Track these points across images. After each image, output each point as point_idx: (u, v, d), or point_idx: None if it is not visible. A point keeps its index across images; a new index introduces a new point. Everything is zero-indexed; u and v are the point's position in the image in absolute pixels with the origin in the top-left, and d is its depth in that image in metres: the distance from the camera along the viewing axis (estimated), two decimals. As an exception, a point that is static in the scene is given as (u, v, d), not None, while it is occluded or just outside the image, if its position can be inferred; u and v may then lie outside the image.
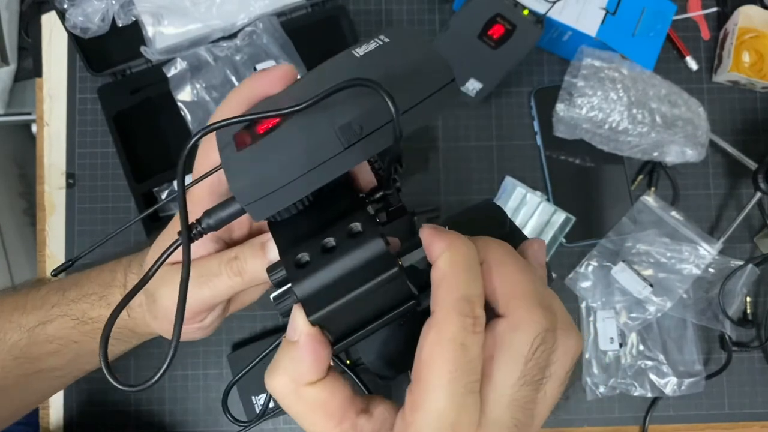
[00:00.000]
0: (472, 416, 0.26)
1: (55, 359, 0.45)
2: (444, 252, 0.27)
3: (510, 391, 0.27)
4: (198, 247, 0.37)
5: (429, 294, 0.27)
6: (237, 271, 0.36)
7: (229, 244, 0.39)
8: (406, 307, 0.28)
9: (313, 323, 0.27)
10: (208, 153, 0.36)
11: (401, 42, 0.30)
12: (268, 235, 0.35)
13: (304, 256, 0.28)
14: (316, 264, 0.27)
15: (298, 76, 0.34)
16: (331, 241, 0.28)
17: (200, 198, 0.36)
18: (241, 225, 0.39)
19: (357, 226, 0.28)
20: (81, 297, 0.45)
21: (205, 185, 0.35)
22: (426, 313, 0.27)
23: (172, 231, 0.39)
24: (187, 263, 0.28)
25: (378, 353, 0.32)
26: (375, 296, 0.27)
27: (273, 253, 0.35)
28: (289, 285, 0.27)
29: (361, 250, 0.27)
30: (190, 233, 0.30)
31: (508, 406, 0.27)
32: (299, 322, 0.27)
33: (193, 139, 0.27)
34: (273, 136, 0.28)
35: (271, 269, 0.28)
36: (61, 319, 0.45)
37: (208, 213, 0.31)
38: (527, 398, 0.27)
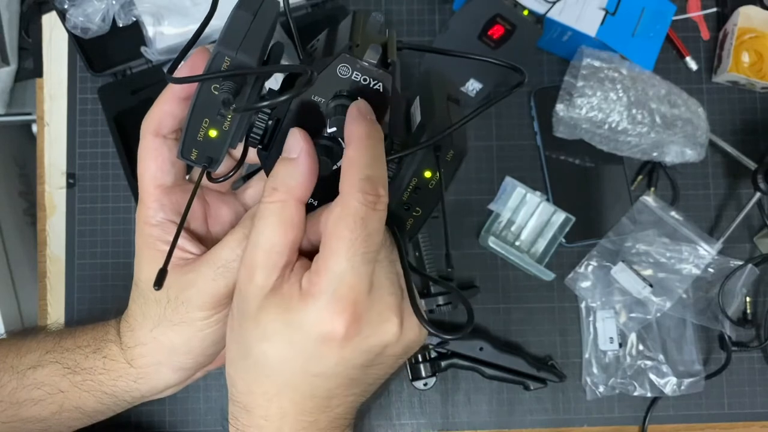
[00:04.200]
0: (366, 282, 0.30)
1: (38, 409, 0.43)
2: (354, 137, 0.31)
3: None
4: (182, 253, 0.38)
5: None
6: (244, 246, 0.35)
7: (207, 243, 0.39)
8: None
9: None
10: (147, 153, 0.38)
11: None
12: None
13: None
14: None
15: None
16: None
17: (149, 193, 0.38)
18: (218, 220, 0.40)
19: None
20: (75, 347, 0.44)
21: (150, 183, 0.37)
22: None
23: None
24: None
25: None
26: None
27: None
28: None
29: None
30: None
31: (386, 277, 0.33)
32: (298, 137, 0.32)
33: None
34: None
35: None
36: (52, 366, 0.43)
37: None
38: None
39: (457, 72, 0.64)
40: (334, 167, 0.34)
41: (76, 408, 0.43)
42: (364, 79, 0.33)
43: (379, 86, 0.33)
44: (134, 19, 0.64)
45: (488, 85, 0.64)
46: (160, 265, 0.35)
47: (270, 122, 0.34)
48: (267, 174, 0.35)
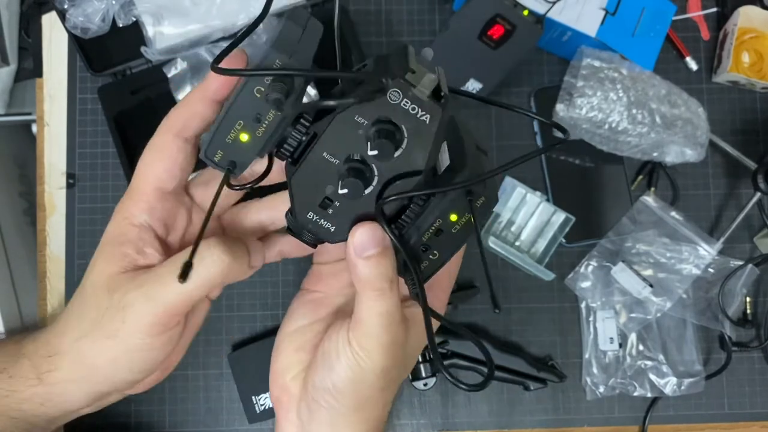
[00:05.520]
0: None
1: None
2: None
3: None
4: (142, 259, 0.34)
5: None
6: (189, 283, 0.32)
7: (169, 250, 0.36)
8: None
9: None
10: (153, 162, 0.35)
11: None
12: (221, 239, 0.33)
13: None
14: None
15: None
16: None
17: (143, 192, 0.34)
18: (177, 227, 0.37)
19: None
20: None
21: (150, 182, 0.34)
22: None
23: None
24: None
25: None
26: None
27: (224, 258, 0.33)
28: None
29: None
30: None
31: None
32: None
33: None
34: None
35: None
36: None
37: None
38: None
39: (456, 72, 0.64)
40: (366, 190, 0.33)
41: None
42: (413, 109, 0.32)
43: (426, 118, 0.32)
44: (134, 19, 0.64)
45: (488, 85, 0.64)
46: (116, 268, 0.33)
47: (305, 137, 0.33)
48: (288, 184, 0.34)
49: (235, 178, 0.34)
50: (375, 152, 0.32)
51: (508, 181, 0.66)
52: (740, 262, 0.65)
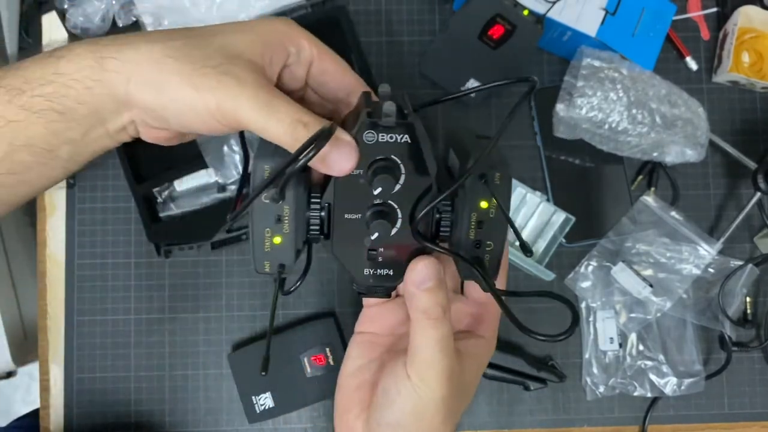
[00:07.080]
0: None
1: None
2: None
3: None
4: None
5: None
6: (296, 138, 0.33)
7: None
8: None
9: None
10: None
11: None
12: (352, 144, 0.34)
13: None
14: None
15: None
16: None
17: None
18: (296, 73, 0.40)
19: None
20: (29, 63, 0.38)
21: None
22: None
23: None
24: None
25: None
26: None
27: (341, 162, 0.34)
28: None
29: None
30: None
31: None
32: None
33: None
34: None
35: None
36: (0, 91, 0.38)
37: None
38: None
39: (457, 72, 0.64)
40: (397, 225, 0.36)
41: (26, 145, 0.38)
42: (391, 137, 0.34)
43: (407, 138, 0.34)
44: (134, 19, 0.64)
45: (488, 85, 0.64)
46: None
47: (323, 213, 0.36)
48: (335, 258, 0.37)
49: (288, 274, 0.37)
50: (379, 189, 0.34)
51: (508, 181, 0.66)
52: (740, 262, 0.65)
